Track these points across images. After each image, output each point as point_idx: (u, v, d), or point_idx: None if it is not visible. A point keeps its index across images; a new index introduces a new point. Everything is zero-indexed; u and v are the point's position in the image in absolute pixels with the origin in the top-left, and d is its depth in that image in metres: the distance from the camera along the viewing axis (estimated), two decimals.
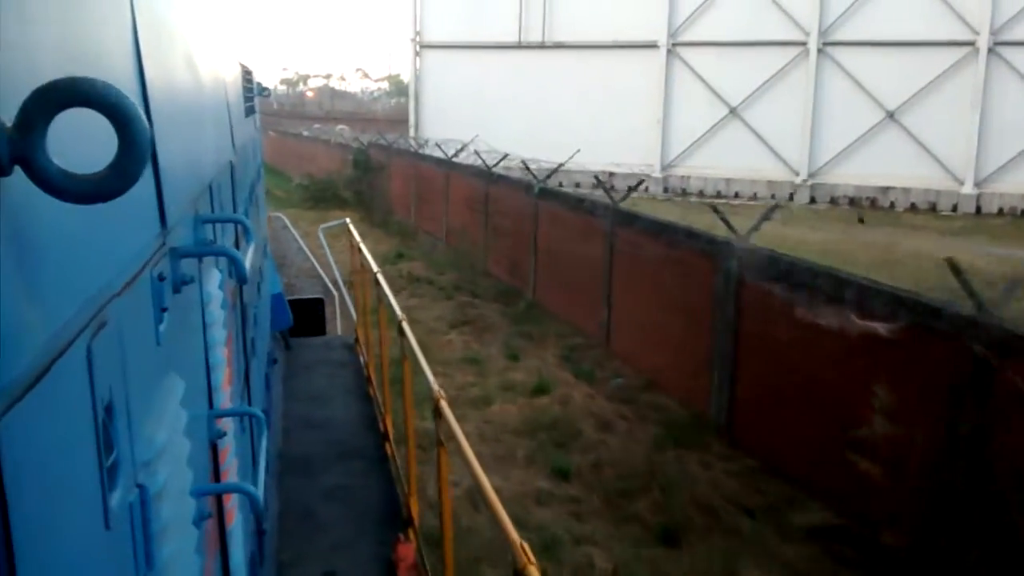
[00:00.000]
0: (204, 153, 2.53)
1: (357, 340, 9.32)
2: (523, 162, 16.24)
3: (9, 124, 0.70)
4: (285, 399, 7.59)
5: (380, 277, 6.25)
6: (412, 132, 42.68)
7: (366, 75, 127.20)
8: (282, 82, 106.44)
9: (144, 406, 1.28)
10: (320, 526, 5.33)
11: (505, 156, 19.62)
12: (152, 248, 1.45)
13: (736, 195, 37.97)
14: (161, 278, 1.49)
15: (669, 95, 39.16)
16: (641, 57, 39.29)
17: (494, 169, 18.76)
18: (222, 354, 2.42)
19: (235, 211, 3.61)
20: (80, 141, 0.88)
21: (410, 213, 24.51)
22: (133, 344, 1.22)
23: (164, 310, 1.50)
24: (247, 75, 5.77)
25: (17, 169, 0.72)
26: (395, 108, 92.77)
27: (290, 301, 9.57)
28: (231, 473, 2.46)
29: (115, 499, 1.03)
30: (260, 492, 2.80)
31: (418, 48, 42.93)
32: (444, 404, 3.87)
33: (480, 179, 19.01)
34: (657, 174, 39.52)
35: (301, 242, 21.66)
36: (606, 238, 12.64)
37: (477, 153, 20.56)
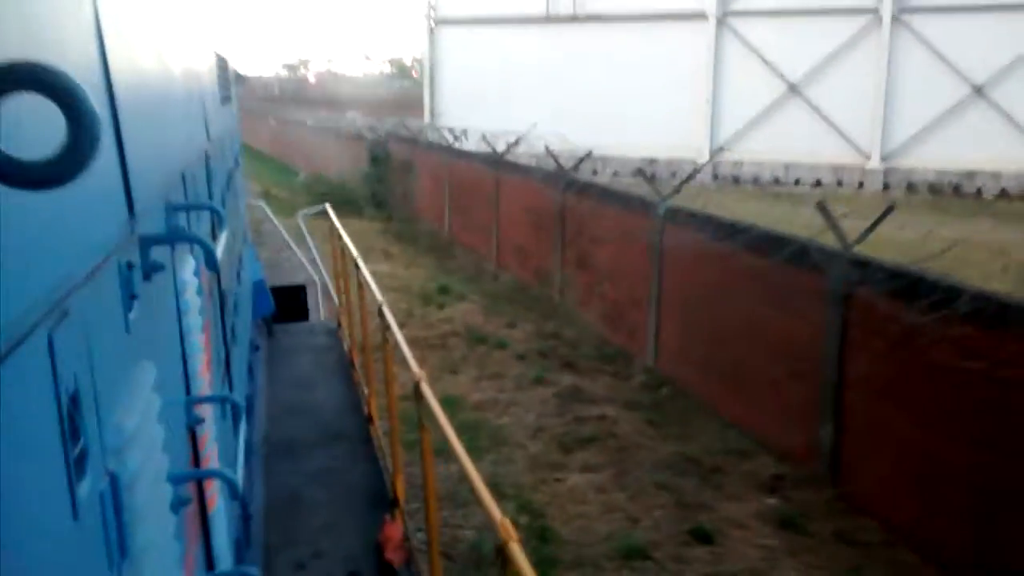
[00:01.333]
0: (175, 141, 2.47)
1: (340, 325, 9.00)
2: (640, 172, 10.56)
3: None
4: (269, 385, 7.40)
5: (360, 262, 6.37)
6: (427, 118, 37.08)
7: (368, 58, 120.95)
8: (283, 66, 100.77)
9: (113, 394, 1.23)
10: (307, 509, 5.19)
11: (588, 155, 14.08)
12: (119, 236, 1.40)
13: (797, 182, 32.43)
14: (130, 266, 1.45)
15: (719, 71, 33.49)
16: (687, 29, 33.58)
17: (570, 172, 13.32)
18: (199, 341, 2.36)
19: (210, 199, 3.48)
20: (37, 126, 0.79)
21: (444, 222, 18.99)
22: (99, 332, 1.17)
23: (133, 297, 1.45)
24: (222, 64, 5.50)
25: None
26: (400, 92, 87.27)
27: (272, 288, 9.11)
28: (212, 459, 2.39)
29: (84, 488, 0.99)
30: (239, 477, 2.63)
31: (432, 24, 37.21)
32: (424, 385, 3.81)
33: (551, 185, 13.54)
34: (705, 160, 33.97)
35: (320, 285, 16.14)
36: (830, 303, 7.23)
37: (548, 150, 14.91)
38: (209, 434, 2.38)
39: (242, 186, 8.56)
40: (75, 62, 1.18)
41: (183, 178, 2.47)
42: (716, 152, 33.74)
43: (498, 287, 14.77)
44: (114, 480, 1.13)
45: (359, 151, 24.28)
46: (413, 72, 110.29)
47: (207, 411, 2.37)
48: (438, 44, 37.18)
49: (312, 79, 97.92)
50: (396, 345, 4.67)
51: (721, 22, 33.19)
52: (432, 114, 37.05)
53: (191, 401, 2.19)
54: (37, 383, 0.88)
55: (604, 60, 34.56)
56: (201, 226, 2.88)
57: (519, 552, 2.46)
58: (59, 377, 0.93)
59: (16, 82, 0.68)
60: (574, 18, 35.02)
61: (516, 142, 16.83)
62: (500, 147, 16.88)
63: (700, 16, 33.33)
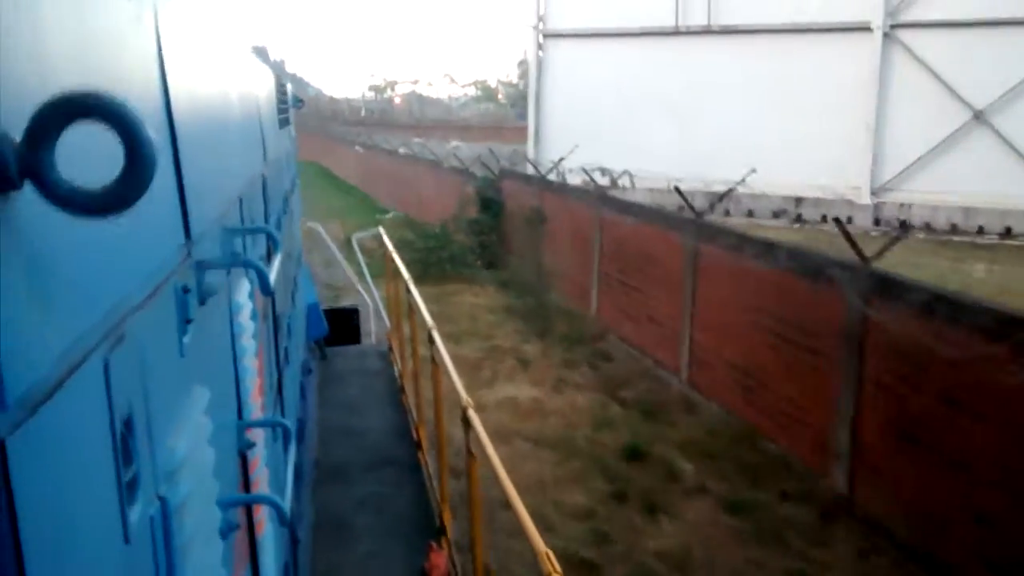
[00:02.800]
0: (233, 165, 2.38)
1: (391, 348, 8.49)
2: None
3: (19, 139, 0.67)
4: (320, 408, 7.12)
5: (411, 286, 6.01)
6: (531, 145, 31.37)
7: (453, 80, 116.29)
8: (370, 88, 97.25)
9: (166, 418, 1.18)
10: (354, 534, 5.04)
11: (906, 232, 8.02)
12: (176, 260, 1.35)
13: (980, 230, 25.63)
14: (186, 290, 1.38)
15: (885, 94, 26.85)
16: (846, 44, 27.07)
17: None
18: (252, 364, 2.29)
19: (267, 222, 3.36)
20: (94, 153, 0.78)
21: (589, 301, 13.05)
22: (155, 356, 1.14)
23: (189, 322, 1.38)
24: (281, 87, 5.48)
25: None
26: (484, 114, 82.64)
27: (325, 311, 8.64)
28: (261, 483, 2.30)
29: (135, 513, 0.96)
30: (287, 502, 2.54)
31: (541, 39, 31.50)
32: (472, 413, 3.73)
33: (830, 283, 7.50)
34: (865, 200, 27.33)
35: None
36: None
37: (839, 226, 8.49)
38: (260, 458, 2.27)
39: (298, 208, 7.82)
40: (136, 88, 1.15)
41: (240, 202, 2.38)
42: (879, 191, 27.16)
43: (707, 433, 8.73)
44: (164, 505, 1.09)
45: (464, 190, 18.51)
46: (498, 95, 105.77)
47: (258, 435, 2.27)
48: (547, 61, 31.44)
49: (397, 101, 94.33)
50: (446, 371, 4.43)
51: (889, 36, 26.63)
52: (536, 140, 31.35)
53: (243, 425, 2.09)
54: (92, 407, 0.86)
55: (741, 80, 28.30)
56: (256, 249, 2.76)
57: None
58: (114, 401, 0.90)
59: (77, 112, 0.67)
60: (707, 30, 28.87)
61: (727, 194, 10.77)
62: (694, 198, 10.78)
63: (862, 28, 26.83)
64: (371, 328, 11.83)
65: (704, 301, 9.89)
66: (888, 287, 6.91)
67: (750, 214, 28.42)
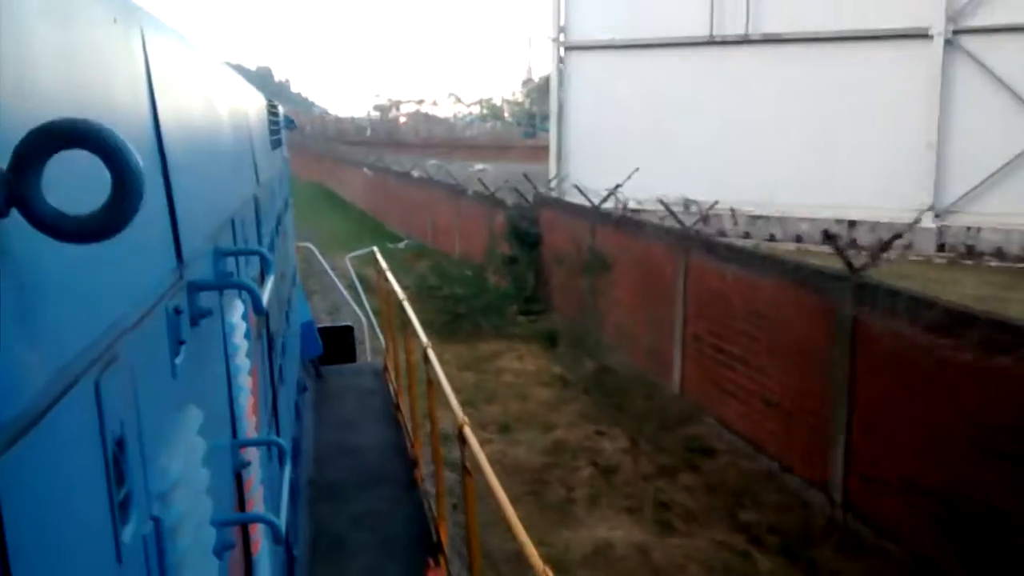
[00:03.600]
0: (225, 187, 2.37)
1: (386, 367, 8.38)
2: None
3: (5, 166, 0.67)
4: (316, 426, 6.90)
5: (406, 304, 5.95)
6: (553, 166, 28.47)
7: (459, 100, 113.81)
8: (375, 108, 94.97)
9: (159, 438, 1.16)
10: (351, 552, 4.89)
11: None
12: (168, 282, 1.32)
13: None
14: (178, 311, 1.35)
15: (948, 107, 23.90)
16: (903, 52, 24.14)
17: None
18: (246, 384, 2.24)
19: (260, 243, 3.33)
20: (83, 180, 0.78)
21: (670, 370, 10.02)
22: (147, 377, 1.11)
23: (181, 343, 1.36)
24: (272, 109, 5.41)
25: None
26: (491, 133, 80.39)
27: (320, 329, 8.36)
28: (256, 502, 2.25)
29: (128, 533, 0.94)
30: (283, 521, 2.45)
31: (562, 52, 28.63)
32: (468, 431, 3.64)
33: None
34: (929, 223, 24.36)
35: None
36: None
37: None
38: (255, 477, 2.24)
39: (292, 228, 7.48)
40: (125, 112, 1.14)
41: (232, 223, 2.35)
42: (943, 213, 24.15)
43: None
44: (158, 525, 1.07)
45: (492, 221, 15.51)
46: (504, 113, 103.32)
47: (253, 454, 2.22)
48: (569, 75, 28.55)
49: (403, 120, 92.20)
50: (440, 389, 4.41)
51: (951, 42, 23.70)
52: (559, 160, 28.46)
53: (237, 444, 2.03)
54: (84, 429, 0.84)
55: (783, 94, 25.44)
56: (250, 269, 2.71)
57: None
58: (106, 423, 0.89)
59: (64, 140, 0.67)
60: (745, 40, 25.98)
61: (895, 239, 7.70)
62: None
63: (920, 35, 23.91)
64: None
65: (870, 392, 6.88)
66: None
67: (798, 239, 25.69)
